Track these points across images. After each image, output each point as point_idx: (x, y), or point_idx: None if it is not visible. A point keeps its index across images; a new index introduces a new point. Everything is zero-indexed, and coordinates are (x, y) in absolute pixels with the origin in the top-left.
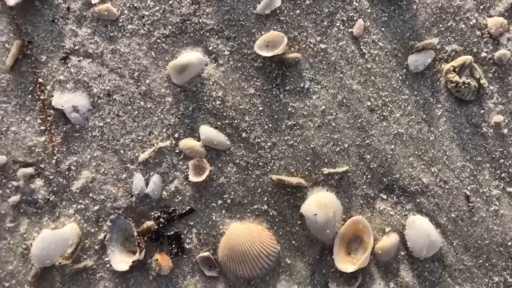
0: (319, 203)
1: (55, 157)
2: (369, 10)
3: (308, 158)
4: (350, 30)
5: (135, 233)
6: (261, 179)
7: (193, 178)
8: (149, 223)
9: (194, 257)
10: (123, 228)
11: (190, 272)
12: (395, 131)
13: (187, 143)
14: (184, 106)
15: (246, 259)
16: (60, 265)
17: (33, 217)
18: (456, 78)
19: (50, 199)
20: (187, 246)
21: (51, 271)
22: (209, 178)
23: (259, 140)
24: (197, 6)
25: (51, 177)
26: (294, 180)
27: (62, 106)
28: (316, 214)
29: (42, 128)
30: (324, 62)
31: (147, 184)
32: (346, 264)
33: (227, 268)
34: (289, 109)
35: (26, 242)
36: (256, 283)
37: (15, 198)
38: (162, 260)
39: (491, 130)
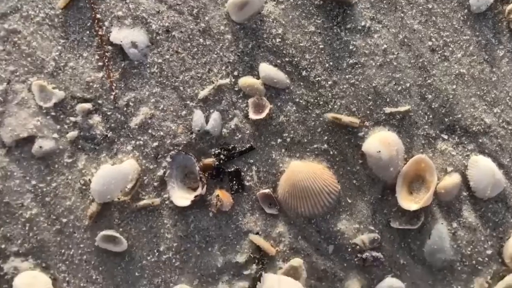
0: (383, 141)
1: (113, 93)
2: None
3: (369, 97)
4: None
5: (197, 168)
6: (321, 118)
7: (253, 115)
8: (209, 160)
9: (253, 194)
10: (182, 165)
11: (250, 210)
12: (457, 71)
13: (247, 80)
14: (243, 44)
15: (308, 195)
16: (120, 201)
17: (90, 153)
18: None
19: (108, 135)
20: (247, 184)
21: (110, 207)
22: (269, 117)
23: (319, 78)
24: None
25: (109, 113)
26: (347, 118)
27: (121, 42)
28: (380, 151)
29: (100, 64)
30: (384, 2)
31: (207, 121)
32: (409, 202)
33: (287, 205)
34: (350, 48)
35: (84, 178)
36: (316, 221)
37: (73, 134)
38: (223, 196)
39: None
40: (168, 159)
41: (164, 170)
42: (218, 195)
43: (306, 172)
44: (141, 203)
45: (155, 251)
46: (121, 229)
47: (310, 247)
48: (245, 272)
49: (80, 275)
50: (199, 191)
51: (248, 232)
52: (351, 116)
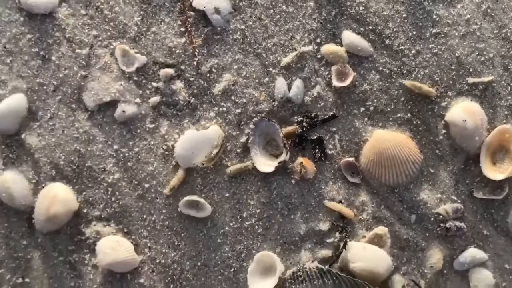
0: (467, 110)
1: (195, 59)
2: None
3: (452, 67)
4: None
5: (281, 134)
6: (404, 87)
7: (336, 83)
8: (292, 127)
9: (336, 163)
10: (265, 132)
11: (332, 179)
12: None
13: (330, 48)
14: (326, 11)
15: (394, 164)
16: (203, 166)
17: (173, 119)
18: None
19: (191, 102)
20: (329, 152)
21: (192, 173)
22: (352, 85)
23: (402, 47)
24: None
25: (191, 79)
26: (424, 87)
27: (204, 7)
28: (465, 120)
29: (182, 29)
30: None
31: (289, 88)
32: (494, 172)
33: (371, 174)
34: (433, 17)
35: (167, 143)
36: (400, 190)
37: (155, 99)
38: (307, 164)
39: None
40: (251, 125)
41: (247, 136)
42: (302, 162)
43: (392, 140)
44: (234, 167)
45: (238, 217)
46: (203, 195)
47: (393, 217)
48: (328, 240)
49: (162, 241)
50: (283, 157)
51: (331, 200)
52: (432, 87)
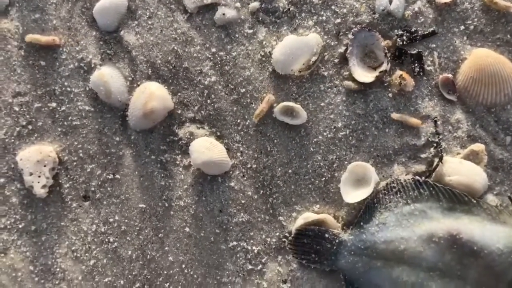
0: None
1: None
2: None
3: None
4: None
5: (382, 43)
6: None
7: None
8: (391, 41)
9: (433, 80)
10: (363, 44)
11: (428, 95)
12: None
13: None
14: None
15: (494, 81)
16: (299, 74)
17: (271, 26)
18: None
19: (290, 9)
20: (427, 68)
21: (288, 81)
22: (453, 2)
23: None
24: None
25: None
26: (502, 2)
27: None
28: None
29: None
30: None
31: (390, 1)
32: None
33: (468, 92)
34: None
35: (264, 50)
36: (496, 110)
37: (255, 5)
38: (406, 77)
39: None
40: (350, 36)
41: (345, 47)
42: (401, 75)
43: (494, 58)
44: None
45: (332, 127)
46: (298, 104)
47: (488, 136)
48: (422, 155)
49: (254, 146)
50: (384, 66)
51: (427, 117)
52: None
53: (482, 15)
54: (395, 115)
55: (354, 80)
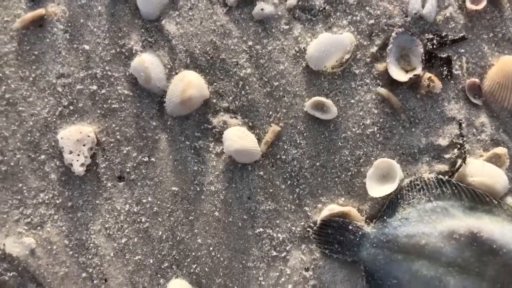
0: None
1: None
2: None
3: None
4: None
5: (421, 49)
6: None
7: (470, 6)
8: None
9: (460, 84)
10: (402, 46)
11: (455, 98)
12: None
13: None
14: None
15: None
16: (332, 71)
17: (306, 24)
18: None
19: (326, 8)
20: (455, 72)
21: (320, 77)
22: (483, 10)
23: None
24: None
25: None
26: None
27: None
28: None
29: None
30: None
31: (423, 5)
32: None
33: (493, 97)
34: None
35: (299, 46)
36: None
37: (292, 2)
38: (434, 79)
39: None
40: (394, 34)
41: (377, 47)
42: (430, 77)
43: None
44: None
45: (361, 124)
46: (329, 99)
47: (511, 141)
48: (446, 156)
49: (285, 138)
50: (418, 71)
51: (452, 119)
52: None
53: (510, 24)
54: (381, 90)
55: (385, 78)
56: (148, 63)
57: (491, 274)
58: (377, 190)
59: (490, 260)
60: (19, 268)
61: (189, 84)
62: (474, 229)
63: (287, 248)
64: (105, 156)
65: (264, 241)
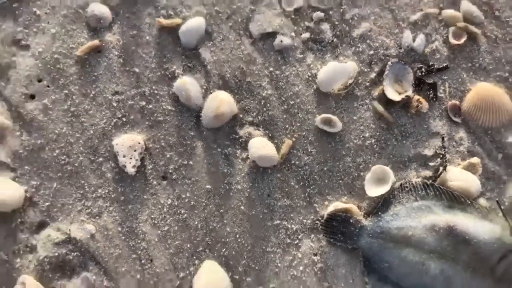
0: None
1: (342, 7)
2: None
3: None
4: None
5: (411, 76)
6: (508, 50)
7: (453, 40)
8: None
9: (443, 105)
10: (396, 73)
11: (439, 116)
12: None
13: (450, 13)
14: None
15: (493, 109)
16: (338, 92)
17: (317, 53)
18: None
19: (333, 40)
20: (440, 95)
21: (328, 97)
22: (464, 44)
23: (508, 19)
24: None
25: (336, 23)
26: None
27: None
28: None
29: None
30: None
31: (414, 40)
32: None
33: (470, 116)
34: None
35: (311, 71)
36: (492, 132)
37: (306, 35)
38: (422, 101)
39: None
40: (390, 63)
41: (375, 74)
42: (419, 99)
43: (492, 90)
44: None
45: (361, 136)
46: (335, 116)
47: (484, 152)
48: (430, 164)
49: (298, 146)
50: (409, 93)
51: (436, 133)
52: None
53: (486, 56)
54: (376, 104)
55: (383, 99)
56: (188, 84)
57: (464, 259)
58: (374, 190)
59: (463, 248)
60: (82, 249)
61: (222, 102)
62: (451, 223)
63: (299, 237)
64: (151, 160)
65: (280, 231)
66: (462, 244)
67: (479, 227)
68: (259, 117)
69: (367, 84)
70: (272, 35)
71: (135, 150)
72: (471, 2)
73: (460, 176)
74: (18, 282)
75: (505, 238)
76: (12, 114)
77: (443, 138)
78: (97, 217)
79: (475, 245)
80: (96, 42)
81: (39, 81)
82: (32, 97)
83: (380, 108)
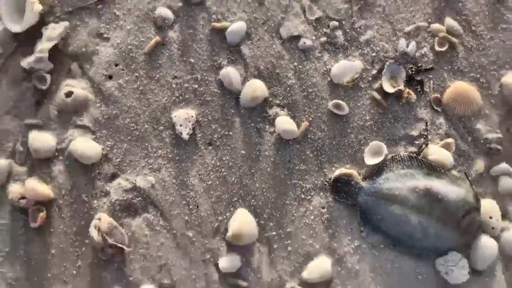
0: None
1: (352, 19)
2: None
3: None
4: None
5: (404, 73)
6: (479, 58)
7: (437, 48)
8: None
9: (428, 97)
10: (391, 71)
11: (424, 106)
12: None
13: (436, 26)
14: (438, 3)
15: (466, 101)
16: (346, 84)
17: (331, 53)
18: None
19: (345, 44)
20: (425, 89)
21: (338, 87)
22: (446, 51)
23: (482, 33)
24: None
25: (347, 30)
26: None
27: None
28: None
29: None
30: None
31: (407, 46)
32: None
33: (448, 107)
34: (505, 18)
35: (326, 67)
36: (464, 119)
37: (323, 39)
38: (411, 93)
39: None
40: (387, 63)
41: (377, 70)
42: (409, 92)
43: (466, 87)
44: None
45: (363, 119)
46: (344, 102)
47: (457, 135)
48: (416, 142)
49: (314, 125)
50: (401, 87)
51: (421, 119)
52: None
53: (463, 61)
54: (374, 93)
55: (381, 90)
56: (231, 73)
57: (437, 214)
58: (371, 160)
59: (436, 205)
60: (144, 196)
61: (256, 88)
62: (428, 186)
63: (311, 194)
64: (200, 130)
65: (297, 189)
66: (435, 202)
67: (449, 189)
68: (285, 101)
69: (369, 78)
70: (297, 37)
71: (189, 121)
72: (453, 18)
73: (438, 152)
74: (95, 218)
75: (469, 198)
76: (94, 90)
77: (426, 123)
78: (157, 171)
79: (445, 203)
80: (158, 39)
81: (116, 65)
82: (110, 77)
83: (378, 97)
